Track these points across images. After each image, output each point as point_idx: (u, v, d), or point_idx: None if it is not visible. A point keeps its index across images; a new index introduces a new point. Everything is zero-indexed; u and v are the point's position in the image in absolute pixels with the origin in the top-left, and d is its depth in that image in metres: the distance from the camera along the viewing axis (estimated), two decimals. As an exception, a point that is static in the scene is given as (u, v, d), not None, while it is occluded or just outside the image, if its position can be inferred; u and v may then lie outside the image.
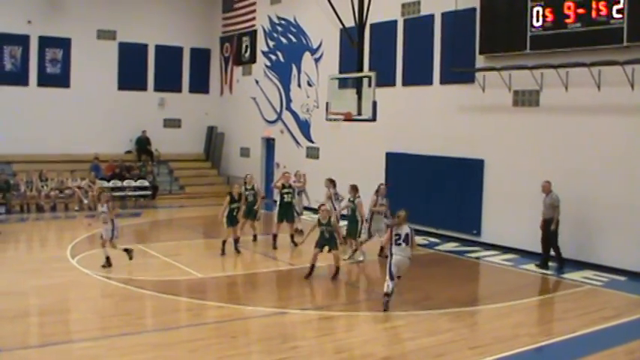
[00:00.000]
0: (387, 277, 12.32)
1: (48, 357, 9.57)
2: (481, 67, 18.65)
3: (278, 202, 18.41)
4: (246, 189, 18.42)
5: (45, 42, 27.74)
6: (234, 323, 11.50)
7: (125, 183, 26.71)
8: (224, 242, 16.76)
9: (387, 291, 12.21)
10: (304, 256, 17.35)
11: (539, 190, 16.11)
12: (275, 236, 18.16)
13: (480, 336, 11.24)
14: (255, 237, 18.63)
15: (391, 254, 12.36)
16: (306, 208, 20.31)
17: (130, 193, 26.78)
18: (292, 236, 18.32)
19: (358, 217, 16.60)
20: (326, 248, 14.74)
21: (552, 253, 16.09)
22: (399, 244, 12.32)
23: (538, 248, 16.67)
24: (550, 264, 16.18)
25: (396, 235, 12.35)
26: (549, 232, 15.94)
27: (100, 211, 15.39)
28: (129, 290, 13.24)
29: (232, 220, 16.87)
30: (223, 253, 16.66)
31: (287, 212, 18.33)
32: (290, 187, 18.48)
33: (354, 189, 16.83)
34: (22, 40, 27.28)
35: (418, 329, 11.46)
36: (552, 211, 15.87)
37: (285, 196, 18.28)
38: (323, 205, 15.57)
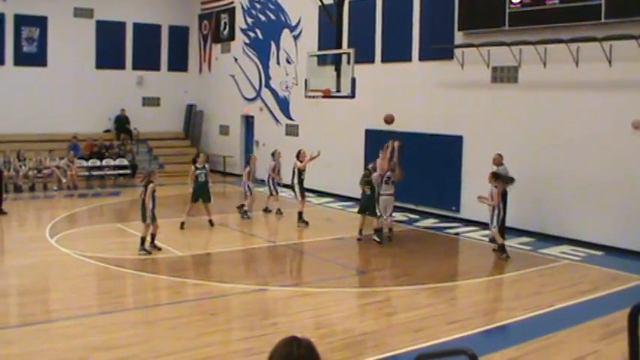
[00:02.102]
0: (378, 215, 15.77)
1: (27, 336, 9.55)
2: (460, 44, 18.65)
3: (362, 194, 16.51)
4: (196, 168, 17.55)
5: (21, 20, 27.29)
6: (214, 300, 11.53)
7: (104, 162, 26.59)
8: (144, 240, 14.43)
9: (375, 227, 15.70)
10: (285, 233, 17.47)
11: (517, 166, 16.22)
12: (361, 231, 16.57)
13: (458, 311, 11.36)
14: (211, 222, 17.74)
15: (379, 194, 15.76)
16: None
17: (109, 172, 26.70)
18: (361, 231, 16.45)
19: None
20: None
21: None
22: (387, 183, 15.77)
23: (516, 224, 16.84)
24: (527, 239, 16.42)
25: (387, 177, 15.78)
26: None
27: None
28: (108, 269, 13.21)
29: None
30: (148, 251, 14.43)
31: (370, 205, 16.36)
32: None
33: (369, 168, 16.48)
34: (-3, 19, 26.88)
35: (397, 305, 11.58)
36: None
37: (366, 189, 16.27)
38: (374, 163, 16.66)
